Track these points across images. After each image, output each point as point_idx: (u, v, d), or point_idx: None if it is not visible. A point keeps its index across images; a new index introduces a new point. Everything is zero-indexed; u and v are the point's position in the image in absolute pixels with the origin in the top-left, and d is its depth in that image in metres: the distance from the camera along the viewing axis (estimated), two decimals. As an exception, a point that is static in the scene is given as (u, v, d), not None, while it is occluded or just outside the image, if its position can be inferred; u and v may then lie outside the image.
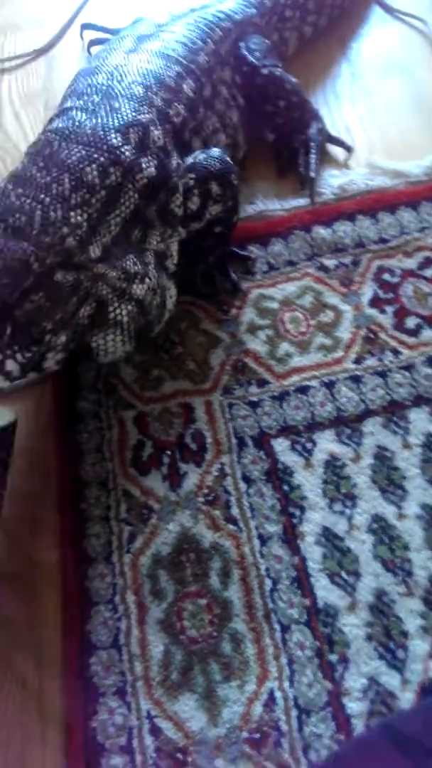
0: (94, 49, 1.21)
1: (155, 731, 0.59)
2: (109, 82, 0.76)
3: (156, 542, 0.69)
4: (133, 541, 0.69)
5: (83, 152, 0.68)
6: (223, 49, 0.93)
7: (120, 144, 0.70)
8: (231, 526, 0.69)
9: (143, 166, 0.71)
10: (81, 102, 0.75)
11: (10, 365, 0.63)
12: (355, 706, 0.59)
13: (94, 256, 0.66)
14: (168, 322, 0.84)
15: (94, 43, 1.21)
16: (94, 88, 0.76)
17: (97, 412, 0.78)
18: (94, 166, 0.67)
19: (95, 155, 0.68)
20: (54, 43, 1.28)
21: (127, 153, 0.70)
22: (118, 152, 0.69)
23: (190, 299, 0.86)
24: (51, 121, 0.75)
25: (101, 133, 0.70)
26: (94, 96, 0.75)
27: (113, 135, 0.70)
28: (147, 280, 0.71)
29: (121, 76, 0.78)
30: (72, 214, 0.65)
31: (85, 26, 1.21)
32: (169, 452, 0.74)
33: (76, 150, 0.68)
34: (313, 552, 0.66)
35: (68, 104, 0.76)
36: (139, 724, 0.60)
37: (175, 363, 0.81)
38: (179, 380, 0.80)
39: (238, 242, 0.89)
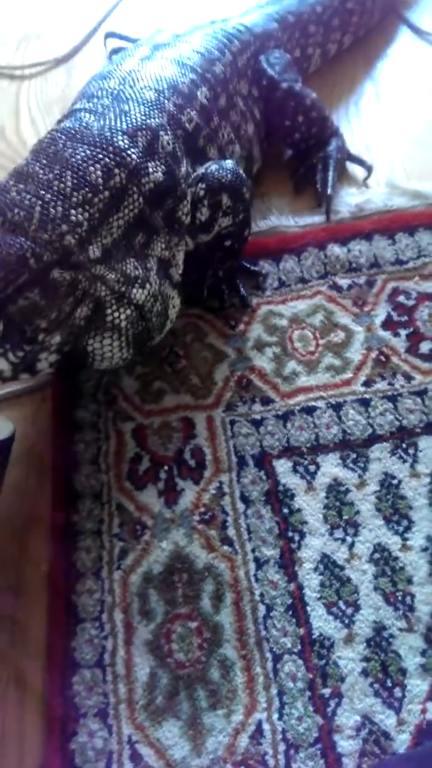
0: (116, 58, 1.21)
1: (136, 758, 0.57)
2: (121, 87, 0.76)
3: (148, 560, 0.67)
4: (125, 557, 0.67)
5: (88, 152, 0.67)
6: (240, 61, 0.92)
7: (127, 146, 0.69)
8: (226, 548, 0.67)
9: (150, 170, 0.70)
10: (90, 104, 0.74)
11: (2, 364, 0.62)
12: (346, 744, 0.56)
13: (93, 256, 0.65)
14: (173, 334, 0.83)
15: (115, 52, 1.21)
16: (104, 92, 0.75)
17: (95, 422, 0.76)
18: (98, 166, 0.66)
19: (100, 155, 0.67)
20: (75, 52, 1.28)
21: (133, 156, 0.69)
22: (124, 154, 0.68)
23: (197, 312, 0.85)
24: (59, 122, 0.75)
25: (108, 134, 0.69)
26: (104, 99, 0.74)
27: (120, 137, 0.69)
28: (148, 285, 0.69)
29: (133, 81, 0.77)
30: (73, 212, 0.64)
31: (109, 35, 1.22)
32: (166, 468, 0.72)
33: (81, 149, 0.67)
34: (311, 579, 0.64)
35: (77, 106, 0.75)
36: (120, 749, 0.57)
37: (177, 376, 0.79)
38: (181, 394, 0.78)
39: (249, 257, 0.88)
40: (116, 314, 0.67)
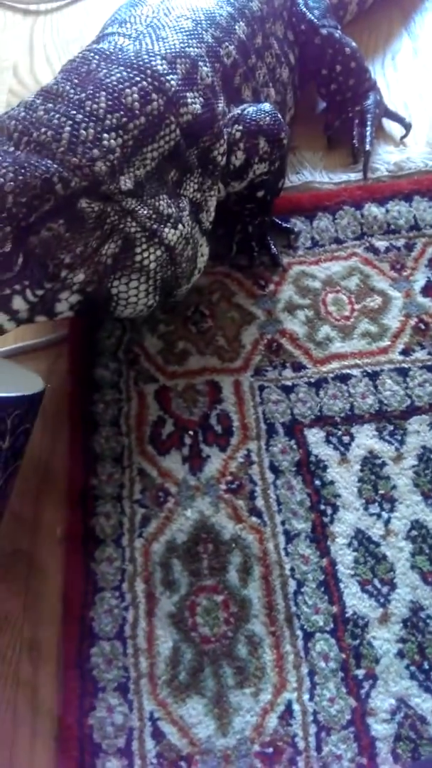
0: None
1: (158, 735, 0.54)
2: (155, 14, 0.70)
3: (171, 528, 0.63)
4: (147, 525, 0.63)
5: (124, 73, 0.61)
6: (277, 1, 0.86)
7: (166, 72, 0.63)
8: (254, 519, 0.63)
9: (189, 100, 0.64)
10: (123, 29, 0.68)
11: (18, 303, 0.56)
12: (380, 728, 0.54)
13: (124, 187, 0.59)
14: (198, 292, 0.78)
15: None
16: (138, 18, 0.70)
17: (116, 382, 0.72)
18: (135, 89, 0.61)
19: (137, 78, 0.61)
20: (95, -13, 1.20)
21: (172, 82, 0.63)
22: (162, 79, 0.63)
23: (224, 270, 0.80)
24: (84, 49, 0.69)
25: (146, 57, 0.63)
26: (138, 25, 0.68)
27: (159, 61, 0.63)
28: (180, 226, 0.64)
29: (168, 9, 0.71)
30: (105, 136, 0.58)
31: (133, -30, 1.14)
32: (191, 432, 0.68)
33: (116, 70, 0.61)
34: (344, 555, 0.61)
35: (109, 30, 0.69)
36: (141, 726, 0.54)
37: (203, 337, 0.75)
38: (207, 356, 0.74)
39: (280, 213, 0.83)
40: (146, 254, 0.62)
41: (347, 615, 0.58)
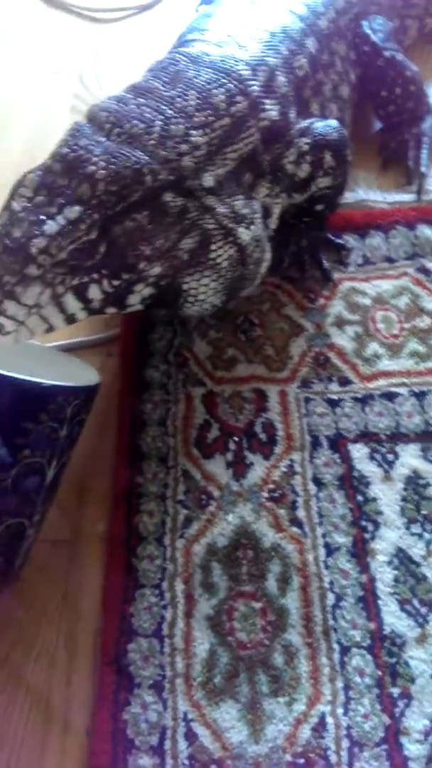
0: (203, 8, 1.16)
1: (191, 736, 0.54)
2: (232, 25, 0.72)
3: (212, 531, 0.63)
4: (188, 526, 0.64)
5: (212, 75, 0.64)
6: (342, 21, 0.87)
7: (249, 77, 0.66)
8: (295, 529, 0.63)
9: (267, 106, 0.66)
10: (205, 36, 0.70)
11: (94, 292, 0.58)
12: (413, 748, 0.53)
13: (206, 185, 0.61)
14: (249, 301, 0.79)
15: (205, 2, 1.15)
16: (217, 27, 0.72)
17: (164, 383, 0.73)
18: (222, 90, 0.63)
19: (224, 80, 0.64)
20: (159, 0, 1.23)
21: (255, 87, 0.66)
22: (246, 83, 0.65)
23: (275, 281, 0.81)
24: (171, 51, 0.71)
25: (231, 62, 0.66)
26: (219, 33, 0.70)
27: (243, 66, 0.66)
28: (253, 227, 0.65)
29: (242, 23, 0.73)
30: (193, 132, 0.60)
31: (198, -17, 1.16)
32: (236, 438, 0.69)
33: (204, 72, 0.64)
34: (384, 573, 0.61)
35: (190, 37, 0.71)
36: (174, 726, 0.54)
37: (252, 345, 0.76)
38: (254, 364, 0.74)
39: (333, 229, 0.83)
40: (220, 251, 0.63)
41: (385, 632, 0.58)
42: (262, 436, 0.69)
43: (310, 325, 0.77)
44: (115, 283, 0.58)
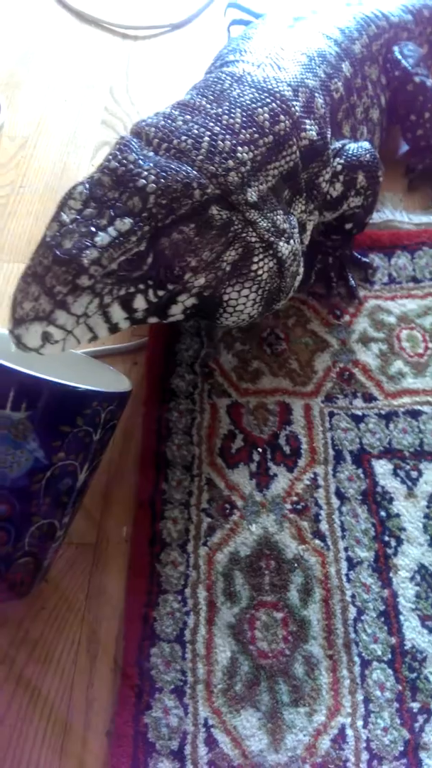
0: (234, 29, 1.19)
1: (211, 742, 0.54)
2: (271, 48, 0.74)
3: (235, 541, 0.64)
4: (212, 534, 0.65)
5: (256, 95, 0.66)
6: (374, 46, 0.90)
7: (291, 98, 0.68)
8: (318, 542, 0.64)
9: (307, 126, 0.68)
10: (245, 58, 0.72)
11: (139, 302, 0.59)
12: (432, 764, 0.54)
13: (250, 199, 0.62)
14: (274, 315, 0.80)
15: (235, 23, 1.18)
16: (256, 50, 0.74)
17: (191, 393, 0.74)
18: (266, 108, 0.65)
19: (268, 100, 0.66)
20: (191, 19, 1.26)
21: (296, 107, 0.68)
22: (289, 104, 0.67)
23: (301, 296, 0.82)
24: (210, 72, 0.73)
25: (274, 82, 0.68)
26: (259, 55, 0.72)
27: (285, 87, 0.68)
28: (291, 241, 0.66)
29: (280, 46, 0.75)
30: (240, 149, 0.62)
31: (231, 5, 1.19)
32: (260, 450, 0.70)
33: (248, 91, 0.66)
34: (406, 588, 0.61)
35: (230, 58, 0.73)
36: (195, 731, 0.55)
37: (277, 359, 0.77)
38: (279, 377, 0.75)
39: (359, 248, 0.85)
40: (261, 263, 0.64)
41: (406, 647, 0.58)
42: (286, 449, 0.70)
43: (335, 341, 0.78)
44: (160, 293, 0.59)
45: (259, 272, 0.64)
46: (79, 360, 0.69)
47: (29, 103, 1.10)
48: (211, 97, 0.65)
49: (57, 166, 1.01)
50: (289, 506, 0.66)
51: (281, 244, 0.65)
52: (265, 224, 0.64)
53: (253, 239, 0.63)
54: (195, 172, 0.58)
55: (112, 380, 0.64)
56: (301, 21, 0.84)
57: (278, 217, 0.65)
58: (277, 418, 0.72)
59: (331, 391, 0.74)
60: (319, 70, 0.74)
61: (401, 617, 0.60)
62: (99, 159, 1.01)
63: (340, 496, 0.67)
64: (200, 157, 0.59)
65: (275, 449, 0.70)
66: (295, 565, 0.63)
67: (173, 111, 0.63)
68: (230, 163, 0.61)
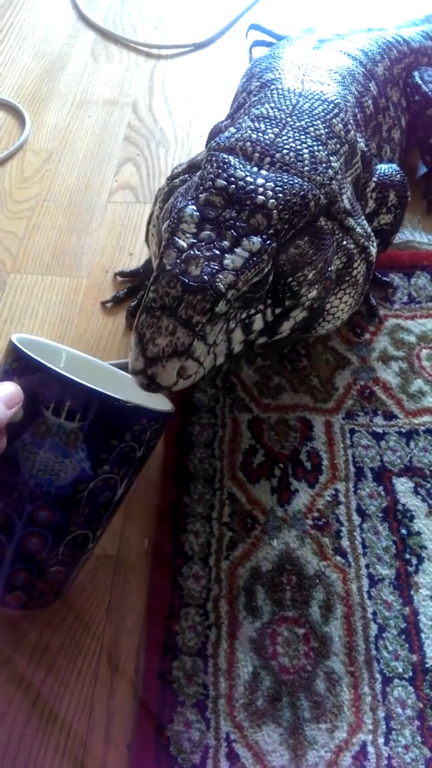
0: (256, 50, 1.21)
1: (233, 757, 0.54)
2: (302, 68, 0.75)
3: (257, 555, 0.64)
4: (234, 548, 0.65)
5: (326, 106, 0.66)
6: (396, 70, 0.92)
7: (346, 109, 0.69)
8: (339, 558, 0.64)
9: (358, 137, 0.70)
10: (286, 75, 0.73)
11: (258, 323, 0.56)
12: (455, 784, 0.53)
13: (345, 206, 0.62)
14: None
15: (257, 44, 1.20)
16: (291, 67, 0.75)
17: (212, 407, 0.74)
18: (339, 119, 0.66)
19: (336, 110, 0.67)
20: (214, 39, 1.28)
21: (351, 119, 0.69)
22: (350, 114, 0.69)
23: (321, 314, 0.83)
24: (250, 93, 0.74)
25: (331, 96, 0.69)
26: (297, 73, 0.73)
27: (339, 100, 0.69)
28: (374, 244, 0.67)
29: (312, 65, 0.77)
30: (332, 158, 0.62)
31: (253, 26, 1.21)
32: (281, 465, 0.70)
33: (317, 104, 0.66)
34: (428, 607, 0.61)
35: (270, 76, 0.74)
36: (217, 746, 0.55)
37: (298, 375, 0.77)
38: (300, 393, 0.76)
39: (380, 268, 0.86)
40: (360, 268, 0.64)
41: (427, 665, 0.58)
42: (307, 465, 0.70)
43: (356, 359, 0.79)
44: (277, 311, 0.57)
45: (358, 277, 0.64)
46: (113, 374, 0.68)
47: (54, 119, 1.12)
48: (287, 111, 0.64)
49: (81, 181, 1.02)
50: (310, 522, 0.67)
51: (371, 247, 0.66)
52: (359, 230, 0.64)
53: (352, 246, 0.63)
54: (308, 184, 0.57)
55: (153, 399, 0.63)
56: (326, 43, 0.86)
57: (364, 221, 0.66)
58: (298, 434, 0.73)
59: (352, 408, 0.75)
60: (352, 87, 0.75)
61: (422, 635, 0.60)
62: (122, 175, 1.03)
63: (361, 513, 0.67)
64: (306, 167, 0.58)
65: (296, 465, 0.71)
66: (317, 581, 0.63)
67: (257, 125, 0.62)
68: (330, 172, 0.61)
